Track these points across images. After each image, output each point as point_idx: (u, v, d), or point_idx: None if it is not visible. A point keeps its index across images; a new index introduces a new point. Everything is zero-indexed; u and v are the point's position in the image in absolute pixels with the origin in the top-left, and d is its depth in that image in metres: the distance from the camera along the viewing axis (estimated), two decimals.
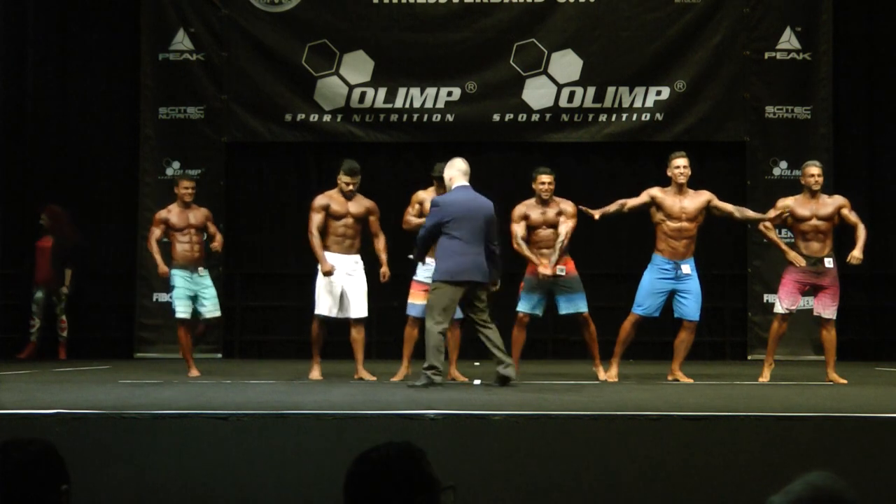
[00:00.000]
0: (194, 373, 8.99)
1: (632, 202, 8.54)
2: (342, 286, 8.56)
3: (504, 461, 4.82)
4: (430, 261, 8.41)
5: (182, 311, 9.08)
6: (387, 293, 10.80)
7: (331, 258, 8.57)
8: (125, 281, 12.28)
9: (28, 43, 12.53)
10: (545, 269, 8.40)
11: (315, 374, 8.56)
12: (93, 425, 5.04)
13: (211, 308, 9.15)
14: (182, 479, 4.82)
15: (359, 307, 8.60)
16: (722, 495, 4.69)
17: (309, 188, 12.01)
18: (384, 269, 8.64)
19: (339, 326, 8.87)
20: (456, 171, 7.79)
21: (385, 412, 5.29)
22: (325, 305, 8.57)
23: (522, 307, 8.56)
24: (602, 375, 8.57)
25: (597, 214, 8.43)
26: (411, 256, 8.25)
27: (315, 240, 8.57)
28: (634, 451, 4.83)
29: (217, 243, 9.25)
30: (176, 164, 12.18)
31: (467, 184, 7.75)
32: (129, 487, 4.80)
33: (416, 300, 8.45)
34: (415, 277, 8.52)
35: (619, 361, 8.62)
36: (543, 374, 9.16)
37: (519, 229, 8.58)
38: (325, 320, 8.61)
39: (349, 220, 8.62)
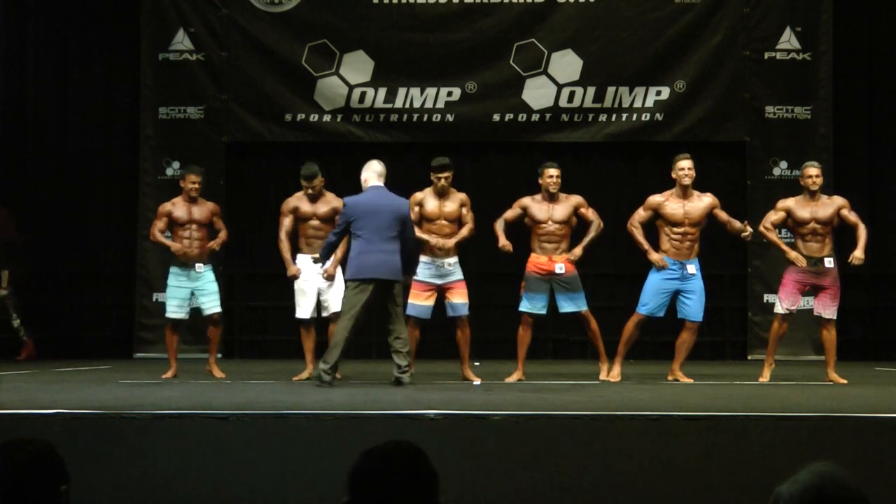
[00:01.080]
0: (168, 374, 8.78)
1: (640, 220, 8.53)
2: (317, 287, 8.56)
3: (504, 461, 4.82)
4: (427, 258, 8.42)
5: (172, 310, 8.91)
6: None
7: (303, 260, 8.60)
8: (125, 281, 12.28)
9: (28, 43, 12.53)
10: (549, 266, 8.44)
11: (303, 375, 8.55)
12: (93, 425, 5.05)
13: (210, 304, 8.93)
14: (182, 479, 4.82)
15: (338, 304, 8.47)
16: (722, 495, 4.69)
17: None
18: (328, 267, 8.49)
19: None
20: (371, 173, 7.87)
21: (385, 412, 5.29)
22: (302, 309, 8.67)
23: (525, 307, 8.56)
24: (604, 375, 8.58)
25: (657, 257, 8.42)
26: (316, 256, 8.29)
27: (281, 244, 8.65)
28: (634, 451, 4.84)
29: (215, 242, 9.03)
30: (176, 164, 12.17)
31: (381, 184, 7.81)
32: (129, 487, 4.80)
33: (416, 300, 8.45)
34: (415, 278, 8.51)
35: (622, 361, 8.62)
36: (543, 374, 9.17)
37: (510, 213, 8.66)
38: (308, 322, 8.67)
39: (316, 222, 8.62)
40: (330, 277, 8.49)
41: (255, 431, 4.99)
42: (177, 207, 8.96)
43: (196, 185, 8.94)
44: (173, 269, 8.93)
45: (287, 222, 8.67)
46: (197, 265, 8.89)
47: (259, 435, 4.96)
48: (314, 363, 8.61)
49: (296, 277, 8.59)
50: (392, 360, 7.71)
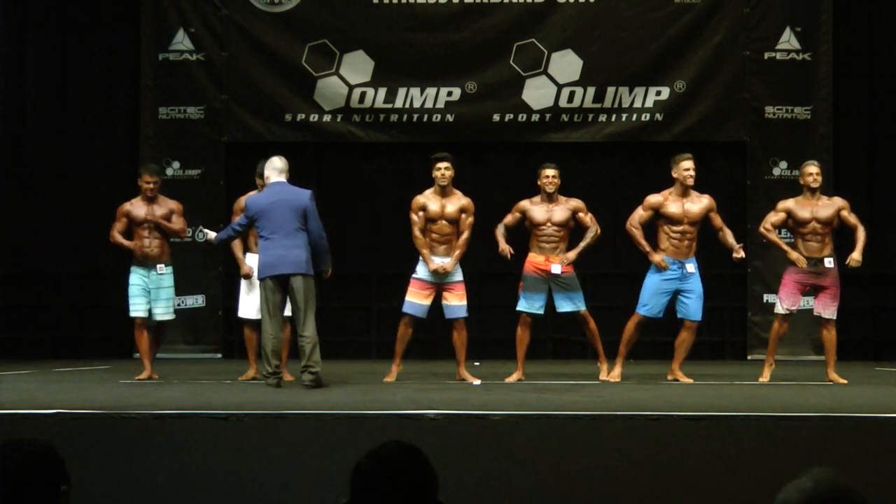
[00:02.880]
0: (142, 376, 8.61)
1: (641, 220, 8.51)
2: None
3: (504, 461, 4.82)
4: (437, 259, 8.42)
5: (135, 309, 8.74)
6: (388, 293, 10.80)
7: (252, 259, 8.62)
8: (125, 281, 12.23)
9: (28, 43, 12.52)
10: (547, 266, 8.45)
11: (246, 375, 8.57)
12: (93, 425, 5.05)
13: (162, 311, 8.76)
14: (182, 479, 4.82)
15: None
16: (722, 495, 4.69)
17: (308, 188, 12.02)
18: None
19: (328, 325, 8.85)
20: (271, 170, 7.86)
21: (385, 412, 5.29)
22: (245, 308, 8.71)
23: (523, 306, 8.56)
24: (603, 375, 8.57)
25: (659, 258, 8.40)
26: (208, 232, 8.56)
27: (233, 242, 8.64)
28: (634, 451, 4.84)
29: (173, 224, 8.77)
30: (176, 164, 12.17)
31: (283, 180, 7.79)
32: (129, 487, 4.80)
33: (414, 298, 8.45)
34: (414, 275, 8.52)
35: (623, 362, 8.61)
36: (543, 374, 9.17)
37: (509, 218, 8.67)
38: (251, 322, 8.65)
39: None
40: (247, 276, 8.62)
41: (255, 431, 4.99)
42: (135, 207, 8.81)
43: (150, 185, 8.76)
44: (134, 269, 8.78)
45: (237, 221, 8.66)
46: (158, 266, 8.73)
47: (259, 435, 4.97)
48: (258, 363, 8.60)
49: (249, 276, 8.63)
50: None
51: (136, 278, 8.77)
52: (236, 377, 8.76)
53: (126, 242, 8.81)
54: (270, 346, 7.58)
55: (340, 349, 9.37)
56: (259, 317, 8.27)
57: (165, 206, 8.86)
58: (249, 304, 8.69)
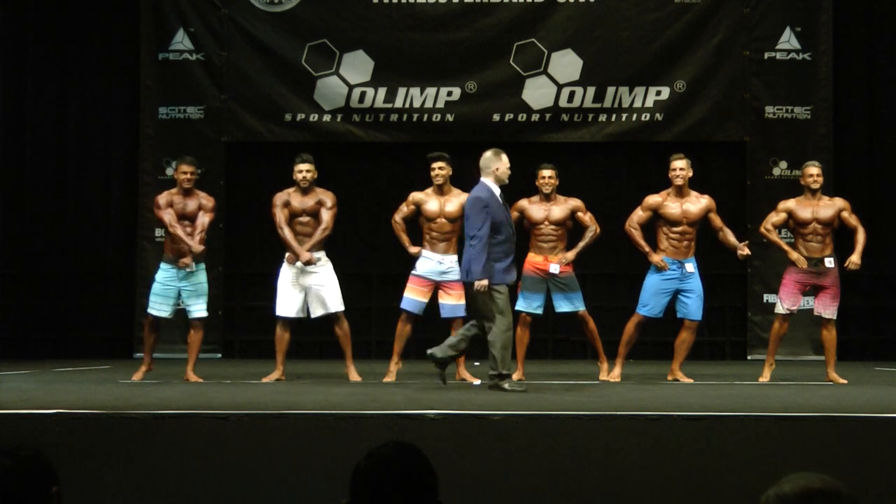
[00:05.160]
0: (137, 375, 8.44)
1: (639, 220, 8.52)
2: (305, 284, 8.45)
3: (504, 461, 4.82)
4: (427, 253, 8.45)
5: (153, 307, 8.43)
6: (388, 292, 10.80)
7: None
8: (125, 281, 12.27)
9: (28, 43, 12.53)
10: (545, 265, 8.46)
11: (273, 376, 8.44)
12: (93, 425, 5.04)
13: (196, 307, 8.40)
14: (182, 479, 4.82)
15: (330, 303, 8.47)
16: (722, 495, 4.69)
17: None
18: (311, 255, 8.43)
19: (328, 325, 8.82)
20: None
21: (385, 412, 5.29)
22: (285, 306, 8.49)
23: (521, 306, 8.56)
24: (603, 375, 8.58)
25: (658, 259, 8.40)
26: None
27: (286, 232, 8.45)
28: (634, 451, 4.83)
29: (196, 242, 8.32)
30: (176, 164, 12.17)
31: (483, 179, 7.55)
32: (129, 487, 4.80)
33: (412, 294, 8.45)
34: (413, 272, 8.52)
35: (623, 362, 8.61)
36: (543, 374, 9.17)
37: None
38: (288, 321, 8.54)
39: (305, 218, 8.50)
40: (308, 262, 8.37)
41: (255, 431, 4.98)
42: (173, 200, 8.44)
43: (188, 176, 8.38)
44: (163, 265, 8.48)
45: (281, 215, 8.49)
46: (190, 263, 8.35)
47: (259, 435, 4.96)
48: (284, 364, 8.55)
49: (311, 263, 8.36)
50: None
51: (162, 276, 8.43)
52: (236, 377, 8.76)
53: (180, 233, 8.32)
54: (500, 343, 7.22)
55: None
56: (296, 316, 8.48)
57: (196, 200, 8.45)
58: (288, 302, 8.47)
